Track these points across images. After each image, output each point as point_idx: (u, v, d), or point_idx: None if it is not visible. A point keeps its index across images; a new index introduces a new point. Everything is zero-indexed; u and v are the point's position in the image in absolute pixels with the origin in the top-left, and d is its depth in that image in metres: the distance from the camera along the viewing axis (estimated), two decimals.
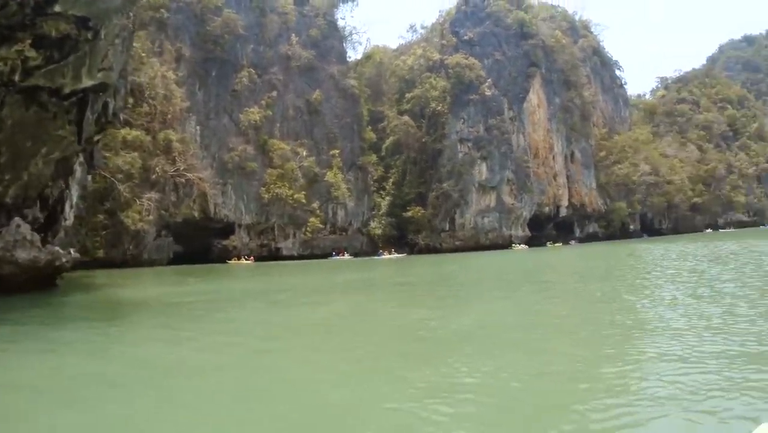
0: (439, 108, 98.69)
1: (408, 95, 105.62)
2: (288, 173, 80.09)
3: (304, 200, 79.56)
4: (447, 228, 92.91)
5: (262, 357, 11.05)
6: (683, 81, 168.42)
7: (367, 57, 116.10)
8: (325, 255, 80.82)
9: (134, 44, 44.19)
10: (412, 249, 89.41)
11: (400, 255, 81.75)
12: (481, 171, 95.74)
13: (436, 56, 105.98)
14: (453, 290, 23.80)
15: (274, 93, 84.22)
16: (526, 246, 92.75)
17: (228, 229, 76.64)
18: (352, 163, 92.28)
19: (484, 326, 12.55)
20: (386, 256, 79.12)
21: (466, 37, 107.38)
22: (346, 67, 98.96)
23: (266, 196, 77.50)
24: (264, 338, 13.38)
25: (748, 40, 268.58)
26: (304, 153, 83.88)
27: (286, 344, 12.48)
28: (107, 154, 57.17)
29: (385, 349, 11.39)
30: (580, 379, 7.88)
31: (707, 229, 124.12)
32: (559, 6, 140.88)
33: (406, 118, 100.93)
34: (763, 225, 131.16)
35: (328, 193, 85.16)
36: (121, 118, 44.85)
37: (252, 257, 73.84)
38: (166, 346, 12.82)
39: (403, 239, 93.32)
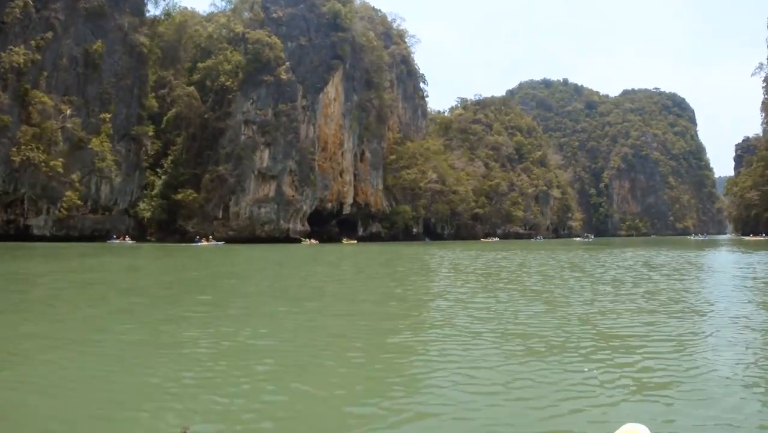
0: (229, 83, 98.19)
1: (200, 65, 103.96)
2: (47, 134, 74.46)
3: (61, 169, 74.27)
4: (220, 216, 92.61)
5: None
6: (481, 105, 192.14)
7: (167, 15, 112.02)
8: (83, 237, 76.59)
9: None
10: (183, 236, 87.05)
11: (219, 243, 79.91)
12: (263, 157, 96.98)
13: (240, 29, 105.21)
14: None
15: (50, 34, 77.30)
16: (317, 241, 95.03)
17: None
18: (125, 133, 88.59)
19: None
20: (204, 243, 76.88)
21: (275, 15, 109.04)
22: (140, 21, 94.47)
23: (17, 159, 70.94)
24: None
25: (546, 83, 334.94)
26: (69, 112, 78.25)
27: None
28: None
29: None
30: None
31: (494, 237, 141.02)
32: (380, 11, 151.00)
33: (191, 89, 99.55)
34: (535, 238, 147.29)
35: (92, 163, 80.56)
36: None
37: None
38: None
39: (173, 224, 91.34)
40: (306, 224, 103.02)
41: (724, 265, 34.17)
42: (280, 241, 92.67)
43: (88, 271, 29.84)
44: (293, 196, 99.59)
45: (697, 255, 44.56)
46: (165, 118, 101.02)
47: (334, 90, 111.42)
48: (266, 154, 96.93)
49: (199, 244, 75.32)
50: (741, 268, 29.74)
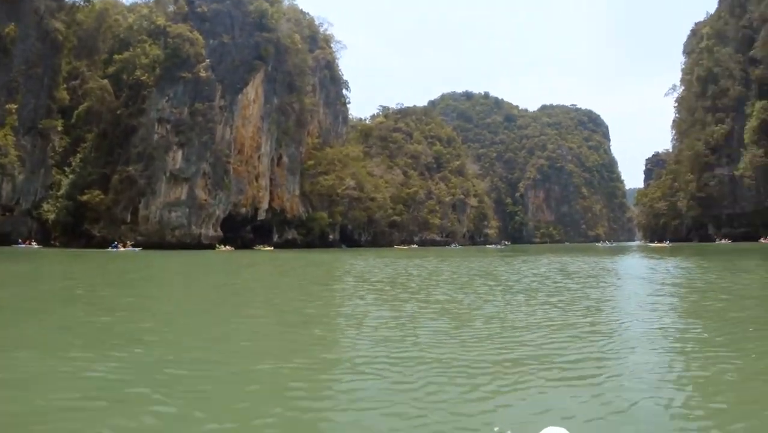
0: (144, 78, 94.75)
1: (116, 57, 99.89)
2: None
3: None
4: (128, 220, 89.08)
5: None
6: (403, 114, 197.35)
7: (87, 1, 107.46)
8: None
9: None
10: (89, 241, 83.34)
11: (136, 249, 76.16)
12: (176, 158, 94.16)
13: (162, 21, 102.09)
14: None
15: None
16: (232, 247, 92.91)
17: None
18: (31, 126, 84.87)
19: None
20: (122, 249, 73.56)
21: (199, 10, 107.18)
22: (57, 5, 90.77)
23: None
24: None
25: (468, 95, 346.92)
26: None
27: None
28: None
29: None
30: None
31: (413, 244, 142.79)
32: (308, 14, 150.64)
33: (105, 82, 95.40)
34: (452, 245, 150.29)
35: None
36: None
37: None
38: None
39: (79, 227, 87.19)
40: (219, 229, 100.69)
41: (637, 270, 34.39)
42: (193, 247, 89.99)
43: None
44: (206, 200, 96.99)
45: (612, 261, 45.55)
46: (75, 113, 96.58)
47: (254, 91, 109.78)
48: (179, 155, 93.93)
49: (117, 249, 72.49)
50: (658, 273, 30.02)
